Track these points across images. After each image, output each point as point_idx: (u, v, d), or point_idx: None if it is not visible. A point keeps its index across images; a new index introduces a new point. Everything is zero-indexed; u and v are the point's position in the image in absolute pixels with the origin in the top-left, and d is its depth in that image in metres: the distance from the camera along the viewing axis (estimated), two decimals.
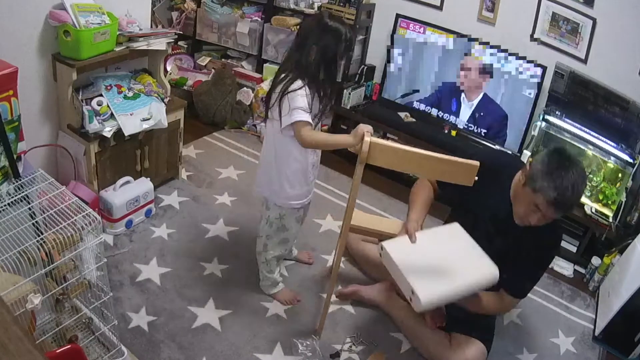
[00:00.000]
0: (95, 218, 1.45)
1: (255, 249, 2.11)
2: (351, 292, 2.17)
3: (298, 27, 1.81)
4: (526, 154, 2.76)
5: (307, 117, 1.74)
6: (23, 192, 1.50)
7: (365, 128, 1.66)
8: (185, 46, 3.89)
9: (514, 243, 1.78)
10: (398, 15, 3.16)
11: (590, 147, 2.67)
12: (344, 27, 1.78)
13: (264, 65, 3.58)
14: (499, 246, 1.78)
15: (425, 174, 1.88)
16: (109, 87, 2.35)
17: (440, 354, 1.92)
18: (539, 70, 2.77)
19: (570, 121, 2.73)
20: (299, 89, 1.75)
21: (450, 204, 2.13)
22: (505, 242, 1.80)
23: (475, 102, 3.03)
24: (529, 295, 2.39)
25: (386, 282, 2.21)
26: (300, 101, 1.74)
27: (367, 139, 1.60)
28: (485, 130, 3.04)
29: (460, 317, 1.98)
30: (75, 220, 1.44)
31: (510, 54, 2.84)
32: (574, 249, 2.72)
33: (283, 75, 1.79)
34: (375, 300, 2.16)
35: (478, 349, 1.89)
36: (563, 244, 2.73)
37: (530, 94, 2.82)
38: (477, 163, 1.59)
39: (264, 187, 1.97)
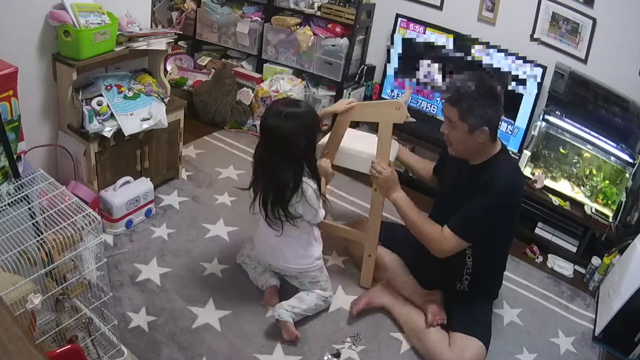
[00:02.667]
0: (95, 218, 1.44)
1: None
2: (366, 305, 2.15)
3: (265, 129, 1.85)
4: (526, 154, 2.76)
5: (323, 212, 1.96)
6: (23, 192, 1.50)
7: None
8: (185, 46, 3.89)
9: (465, 190, 1.85)
10: (398, 15, 3.17)
11: (590, 147, 2.68)
12: (305, 105, 1.87)
13: (264, 65, 3.58)
14: (457, 206, 1.86)
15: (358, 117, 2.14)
16: (109, 87, 2.35)
17: (439, 352, 1.92)
18: (539, 70, 2.77)
19: (570, 121, 2.74)
20: (312, 189, 1.88)
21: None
22: (458, 193, 1.88)
23: None
24: (528, 295, 2.41)
25: (386, 281, 2.21)
26: (316, 200, 1.90)
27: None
28: None
29: (459, 315, 1.99)
30: (75, 220, 1.44)
31: (510, 54, 2.84)
32: (574, 249, 2.72)
33: (291, 185, 1.84)
34: (382, 302, 2.17)
35: (477, 348, 1.89)
36: (563, 244, 2.73)
37: (530, 94, 2.82)
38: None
39: (303, 265, 2.06)
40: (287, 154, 1.81)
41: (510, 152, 1.94)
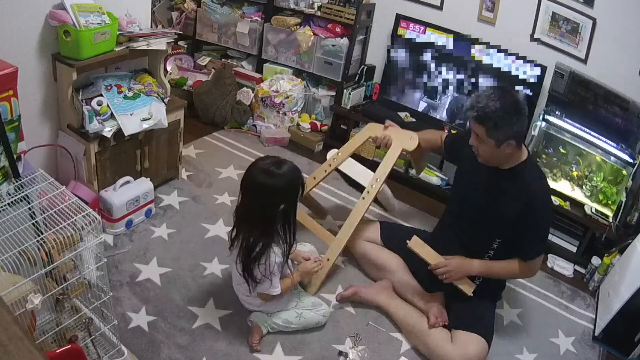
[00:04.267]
0: (95, 218, 1.44)
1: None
2: (351, 293, 2.17)
3: (245, 181, 1.79)
4: None
5: (278, 289, 1.87)
6: (23, 192, 1.50)
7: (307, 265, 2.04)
8: (185, 46, 3.89)
9: (497, 194, 1.93)
10: (398, 15, 3.17)
11: (590, 147, 2.68)
12: (291, 168, 1.78)
13: (264, 65, 3.58)
14: (488, 207, 1.95)
15: None
16: (109, 87, 2.35)
17: (441, 350, 1.92)
18: (538, 70, 2.77)
19: (570, 121, 2.73)
20: (274, 258, 1.80)
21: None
22: (489, 196, 1.95)
23: None
24: (528, 295, 2.41)
25: (385, 281, 2.21)
26: (275, 271, 1.82)
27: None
28: None
29: (461, 313, 1.99)
30: (75, 220, 1.44)
31: (510, 54, 2.84)
32: (574, 249, 2.72)
33: (259, 247, 1.76)
34: (375, 300, 2.17)
35: (479, 345, 1.90)
36: (563, 244, 2.73)
37: (530, 94, 2.82)
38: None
39: (273, 310, 1.99)
40: (262, 212, 1.74)
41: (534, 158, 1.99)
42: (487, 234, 2.00)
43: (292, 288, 2.02)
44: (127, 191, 2.36)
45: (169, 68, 3.64)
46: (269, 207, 1.73)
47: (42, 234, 1.44)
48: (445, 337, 1.96)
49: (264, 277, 1.81)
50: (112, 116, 2.28)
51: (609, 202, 2.64)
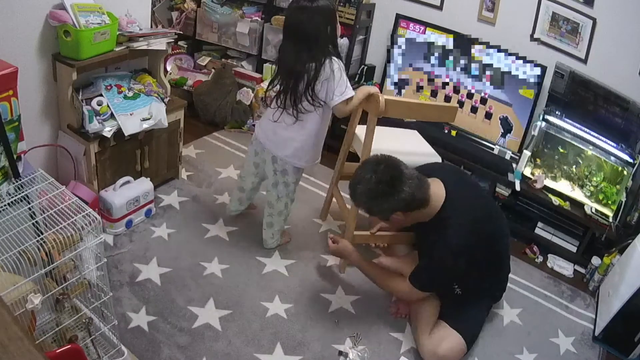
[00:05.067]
0: (95, 218, 1.44)
1: (268, 213, 2.33)
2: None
3: (292, 21, 1.98)
4: (526, 154, 2.76)
5: (351, 91, 2.01)
6: (23, 192, 1.50)
7: (370, 89, 2.03)
8: (185, 46, 3.89)
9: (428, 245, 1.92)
10: (398, 15, 3.17)
11: (590, 147, 2.68)
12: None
13: (264, 65, 3.58)
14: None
15: (422, 118, 2.30)
16: (109, 87, 2.35)
17: (418, 338, 1.99)
18: (539, 70, 2.77)
19: (570, 121, 2.74)
20: (339, 67, 1.97)
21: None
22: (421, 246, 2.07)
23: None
24: (528, 295, 2.41)
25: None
26: (345, 78, 1.99)
27: (382, 98, 1.99)
28: None
29: (452, 306, 2.02)
30: (75, 220, 1.44)
31: (510, 54, 2.84)
32: (574, 249, 2.72)
33: (315, 63, 1.95)
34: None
35: (455, 343, 1.92)
36: (563, 244, 2.73)
37: (530, 93, 2.82)
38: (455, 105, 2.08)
39: (292, 153, 2.15)
40: (315, 40, 1.94)
41: (457, 201, 1.86)
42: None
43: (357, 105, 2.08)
44: (127, 191, 2.36)
45: (169, 68, 3.64)
46: (319, 33, 1.93)
47: (42, 234, 1.44)
48: (428, 325, 1.99)
49: (339, 82, 1.96)
50: (112, 116, 2.28)
51: (609, 202, 2.64)
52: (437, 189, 1.86)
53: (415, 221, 1.90)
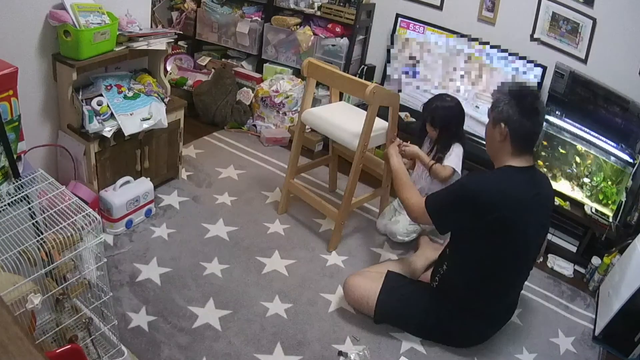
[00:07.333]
0: (95, 218, 1.44)
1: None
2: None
3: (430, 111, 2.44)
4: None
5: (459, 173, 2.43)
6: (23, 192, 1.50)
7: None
8: (185, 46, 3.89)
9: None
10: (398, 15, 3.17)
11: (591, 147, 2.68)
12: (456, 100, 2.43)
13: (264, 65, 3.58)
14: None
15: (340, 88, 2.57)
16: (109, 87, 2.35)
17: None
18: (539, 70, 2.77)
19: (570, 121, 2.74)
20: (457, 150, 2.45)
21: None
22: None
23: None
24: (528, 295, 2.41)
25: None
26: (455, 158, 2.44)
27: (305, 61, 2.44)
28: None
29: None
30: (75, 220, 1.44)
31: (510, 54, 2.84)
32: (574, 249, 2.72)
33: (453, 144, 2.45)
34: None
35: (370, 291, 2.06)
36: (563, 244, 2.73)
37: None
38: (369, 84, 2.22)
39: None
40: (455, 129, 2.43)
41: (508, 181, 1.81)
42: None
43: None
44: (127, 191, 2.36)
45: (169, 68, 3.64)
46: (458, 125, 2.44)
47: (42, 234, 1.44)
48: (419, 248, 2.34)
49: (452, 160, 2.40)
50: (112, 116, 2.28)
51: (609, 202, 2.64)
52: (518, 162, 1.81)
53: (492, 157, 1.91)
